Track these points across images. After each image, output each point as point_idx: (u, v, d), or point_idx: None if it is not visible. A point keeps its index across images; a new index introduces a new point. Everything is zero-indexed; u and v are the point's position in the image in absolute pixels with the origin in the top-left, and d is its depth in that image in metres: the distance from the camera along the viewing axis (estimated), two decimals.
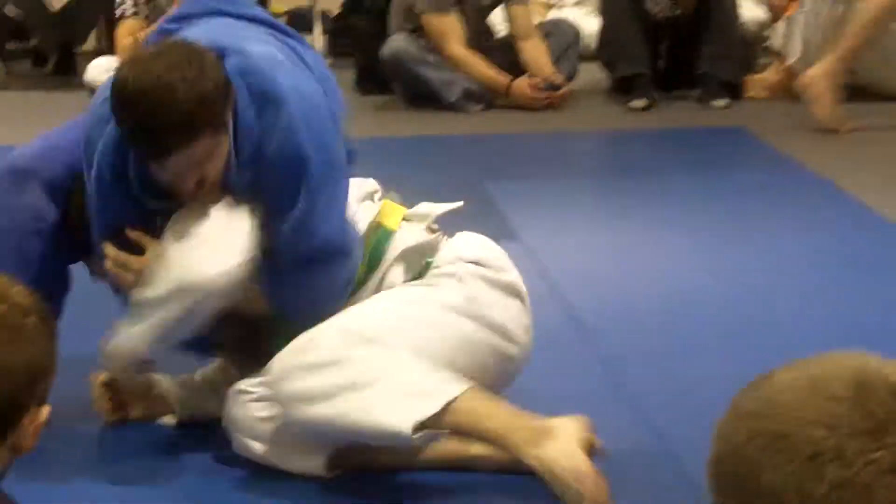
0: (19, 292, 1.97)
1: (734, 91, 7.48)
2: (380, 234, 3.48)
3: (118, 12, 7.47)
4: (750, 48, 7.92)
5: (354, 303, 3.42)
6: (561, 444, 3.15)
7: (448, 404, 3.15)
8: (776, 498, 1.25)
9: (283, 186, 3.28)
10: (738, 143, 6.72)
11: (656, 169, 6.28)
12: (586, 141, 6.92)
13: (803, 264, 4.82)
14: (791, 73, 7.43)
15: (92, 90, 7.29)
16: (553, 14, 8.46)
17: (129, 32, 7.37)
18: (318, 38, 8.17)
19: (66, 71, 8.43)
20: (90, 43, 8.74)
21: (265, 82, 3.26)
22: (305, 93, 3.32)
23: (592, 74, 7.74)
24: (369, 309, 3.38)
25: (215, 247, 3.27)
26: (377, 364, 3.22)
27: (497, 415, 3.21)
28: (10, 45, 8.81)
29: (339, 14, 8.48)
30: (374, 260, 3.46)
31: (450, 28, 7.32)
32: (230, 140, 3.25)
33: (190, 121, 3.12)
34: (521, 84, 7.26)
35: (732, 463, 1.31)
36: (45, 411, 1.98)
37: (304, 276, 3.36)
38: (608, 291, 4.59)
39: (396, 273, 3.46)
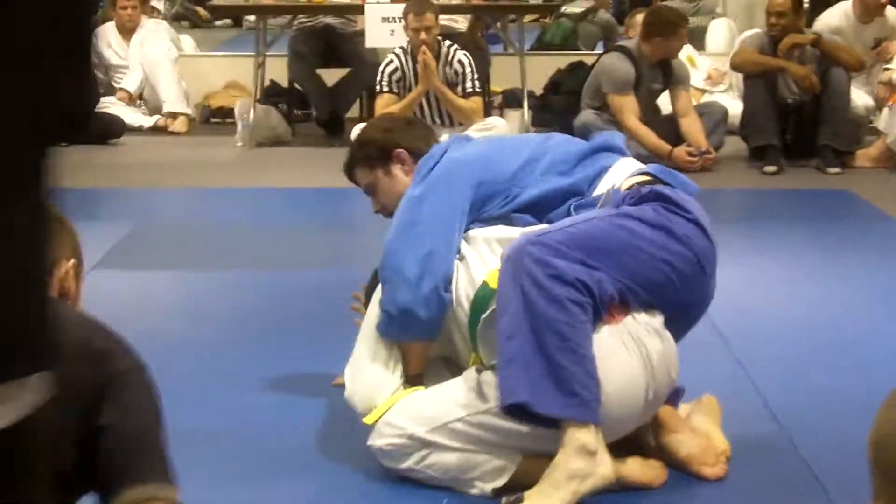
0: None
1: (845, 161, 7.47)
2: (486, 292, 3.11)
3: (377, 88, 7.47)
4: (859, 127, 7.85)
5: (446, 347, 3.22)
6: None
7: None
8: None
9: None
10: (847, 202, 6.67)
11: (782, 219, 6.29)
12: (729, 197, 6.88)
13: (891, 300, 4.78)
14: (889, 149, 7.41)
15: None
16: (706, 98, 8.49)
17: (384, 104, 7.39)
18: (525, 113, 8.26)
19: (336, 132, 8.51)
20: (354, 111, 8.85)
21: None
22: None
23: (735, 145, 7.71)
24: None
25: None
26: None
27: None
28: (296, 112, 9.02)
29: (542, 94, 8.55)
30: (474, 312, 3.13)
31: (627, 105, 7.35)
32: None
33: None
34: (680, 151, 7.26)
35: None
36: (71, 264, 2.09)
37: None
38: (746, 312, 4.54)
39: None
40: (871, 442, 1.32)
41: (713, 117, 7.59)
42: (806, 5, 8.20)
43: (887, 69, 7.89)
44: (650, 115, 7.51)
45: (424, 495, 3.05)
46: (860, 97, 7.87)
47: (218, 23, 14.87)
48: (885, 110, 7.71)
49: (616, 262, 3.01)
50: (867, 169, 7.44)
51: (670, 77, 7.47)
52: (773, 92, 7.54)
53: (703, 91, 8.67)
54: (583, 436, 2.88)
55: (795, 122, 7.64)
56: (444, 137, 7.37)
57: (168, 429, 2.01)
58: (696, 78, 8.58)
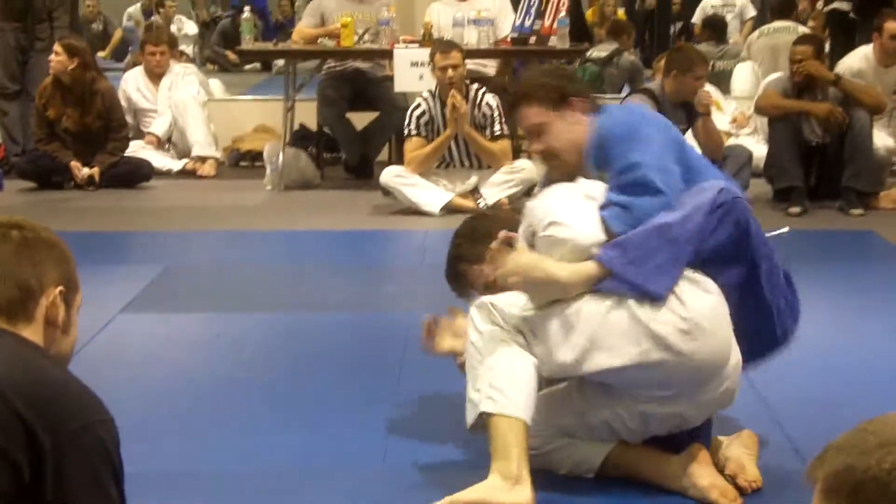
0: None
1: (868, 203, 7.48)
2: None
3: (406, 131, 7.54)
4: (881, 169, 7.85)
5: None
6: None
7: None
8: None
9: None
10: (870, 244, 6.68)
11: (807, 260, 6.26)
12: None
13: None
14: None
15: (385, 191, 7.55)
16: (732, 140, 8.50)
17: (413, 148, 7.49)
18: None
19: (365, 175, 8.58)
20: (383, 154, 8.88)
21: None
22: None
23: (760, 187, 7.71)
24: None
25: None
26: None
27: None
28: (325, 155, 9.07)
29: None
30: None
31: None
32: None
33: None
34: None
35: (874, 491, 1.30)
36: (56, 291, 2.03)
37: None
38: None
39: None
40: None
41: (738, 160, 7.60)
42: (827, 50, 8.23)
43: None
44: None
45: None
46: (882, 139, 7.89)
47: (247, 67, 14.98)
48: None
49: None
50: (890, 210, 7.44)
51: (693, 118, 7.49)
52: (797, 134, 7.56)
53: (729, 134, 8.68)
54: None
55: (819, 163, 7.66)
56: (473, 180, 7.54)
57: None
58: (722, 121, 8.60)
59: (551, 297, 3.22)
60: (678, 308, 3.16)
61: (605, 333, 3.15)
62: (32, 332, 2.03)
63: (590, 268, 3.19)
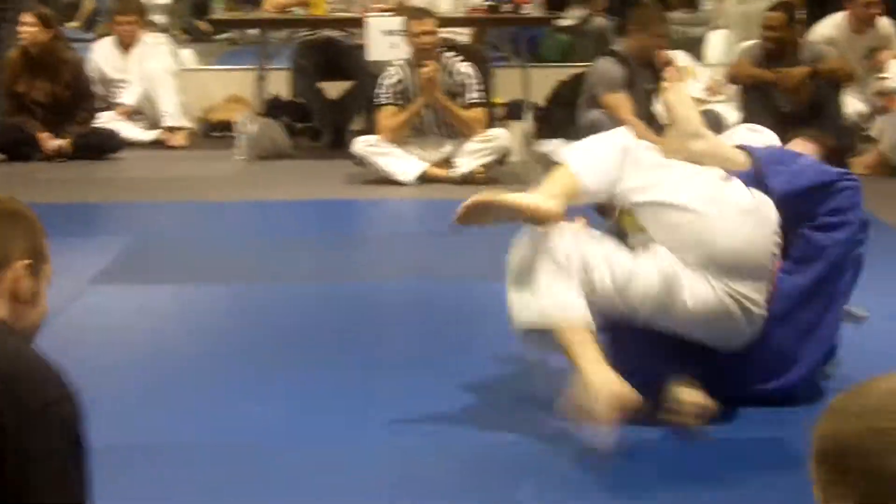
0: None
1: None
2: None
3: (378, 100, 7.49)
4: (853, 134, 7.88)
5: None
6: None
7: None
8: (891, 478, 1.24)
9: None
10: None
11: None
12: None
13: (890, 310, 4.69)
14: (884, 156, 7.41)
15: (358, 160, 7.50)
16: (706, 108, 8.47)
17: (386, 117, 7.44)
18: (528, 124, 8.25)
19: (338, 145, 8.45)
20: (356, 123, 8.79)
21: None
22: None
23: None
24: None
25: None
26: None
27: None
28: (298, 125, 8.98)
29: (545, 106, 8.54)
30: None
31: (621, 102, 7.32)
32: None
33: None
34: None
35: (849, 456, 1.27)
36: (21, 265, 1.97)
37: None
38: None
39: None
40: (823, 460, 1.33)
41: (709, 126, 7.56)
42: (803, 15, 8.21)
43: (881, 78, 7.89)
44: (646, 118, 7.48)
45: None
46: (854, 105, 7.89)
47: (219, 36, 14.85)
48: (879, 118, 7.72)
49: None
50: (863, 176, 7.42)
51: (660, 78, 7.48)
52: (770, 102, 7.55)
53: (703, 101, 8.65)
54: None
55: (792, 130, 7.64)
56: (447, 149, 7.50)
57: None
58: (696, 89, 8.57)
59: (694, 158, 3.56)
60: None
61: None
62: None
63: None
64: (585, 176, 3.50)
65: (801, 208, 3.56)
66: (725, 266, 3.39)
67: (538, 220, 3.42)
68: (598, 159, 3.52)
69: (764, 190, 3.52)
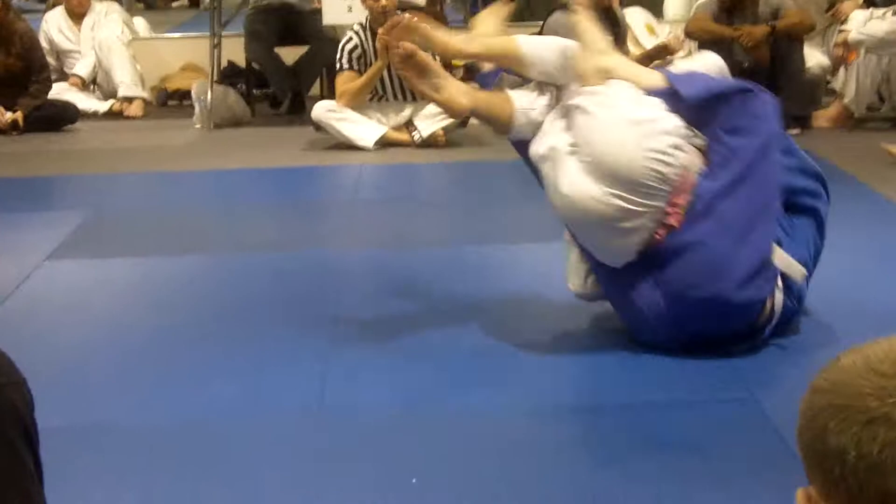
0: None
1: (803, 122, 7.45)
2: None
3: (337, 65, 7.42)
4: (815, 88, 7.85)
5: None
6: None
7: None
8: (840, 457, 1.20)
9: None
10: None
11: None
12: None
13: (850, 260, 4.67)
14: (847, 109, 7.39)
15: (317, 126, 7.43)
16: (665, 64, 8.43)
17: (345, 82, 7.37)
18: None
19: (297, 111, 8.44)
20: (315, 89, 8.74)
21: None
22: None
23: None
24: None
25: None
26: None
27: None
28: (255, 92, 8.93)
29: None
30: None
31: None
32: None
33: None
34: None
35: (808, 432, 1.25)
36: None
37: None
38: None
39: None
40: (797, 436, 1.29)
41: None
42: None
43: (842, 30, 7.87)
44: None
45: (394, 476, 2.95)
46: (816, 58, 7.85)
47: (174, 4, 14.73)
48: (842, 70, 7.70)
49: None
50: (826, 129, 7.43)
51: (618, 29, 7.45)
52: (729, 57, 7.50)
53: (663, 58, 8.60)
54: None
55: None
56: (406, 113, 7.45)
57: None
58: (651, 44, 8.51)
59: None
60: None
61: None
62: None
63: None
64: (525, 44, 3.78)
65: (715, 113, 3.60)
66: (602, 169, 3.48)
67: (446, 55, 3.89)
68: (543, 47, 3.82)
69: (678, 102, 3.57)
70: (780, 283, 3.68)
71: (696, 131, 3.59)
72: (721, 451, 3.06)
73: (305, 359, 3.77)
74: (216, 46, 8.52)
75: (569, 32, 7.14)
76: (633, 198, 3.49)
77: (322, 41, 8.28)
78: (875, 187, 5.87)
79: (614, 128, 3.52)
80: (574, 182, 3.52)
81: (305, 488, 2.90)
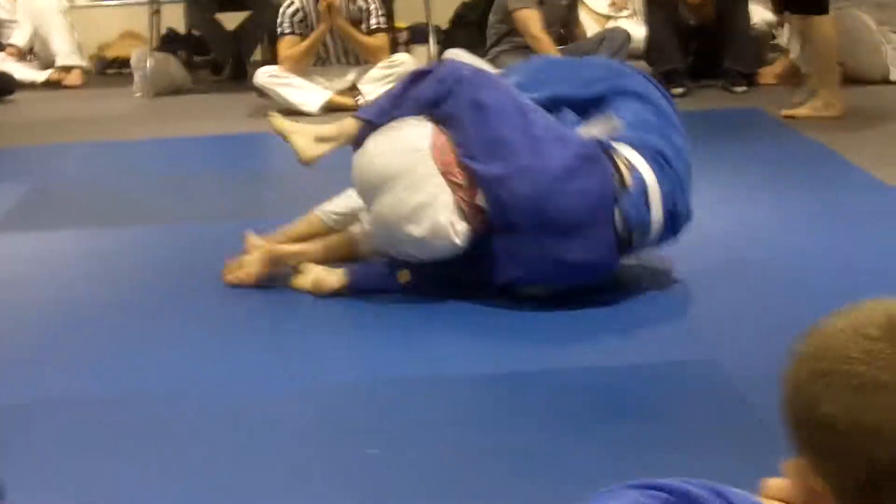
0: None
1: (750, 79, 7.46)
2: None
3: (279, 30, 7.35)
4: (761, 45, 7.85)
5: None
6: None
7: None
8: (830, 426, 1.17)
9: None
10: (755, 120, 6.63)
11: (698, 140, 6.24)
12: None
13: (804, 217, 4.68)
14: (794, 65, 7.39)
15: (260, 92, 7.35)
16: (611, 24, 8.42)
17: (287, 46, 7.30)
18: (432, 48, 8.13)
19: (239, 77, 8.35)
20: (257, 54, 8.67)
21: None
22: None
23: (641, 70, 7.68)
24: None
25: None
26: None
27: None
28: (196, 59, 8.82)
29: (448, 28, 8.44)
30: None
31: (532, 17, 7.25)
32: None
33: None
34: None
35: (795, 402, 1.21)
36: None
37: None
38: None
39: None
40: (782, 406, 1.26)
41: (615, 42, 7.51)
42: None
43: None
44: (558, 33, 7.42)
45: (342, 450, 2.91)
46: (761, 14, 7.85)
47: None
48: (787, 26, 7.69)
49: None
50: (773, 86, 7.43)
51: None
52: (675, 16, 7.49)
53: (608, 17, 8.59)
54: None
55: (698, 44, 7.62)
56: (351, 77, 7.38)
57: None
58: (601, 4, 8.51)
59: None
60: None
61: None
62: None
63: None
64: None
65: (416, 105, 3.84)
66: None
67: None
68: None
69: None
70: (620, 158, 3.70)
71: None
72: (680, 413, 3.04)
73: (255, 329, 3.72)
74: (155, 13, 8.41)
75: None
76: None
77: (264, 6, 8.20)
78: (825, 142, 5.87)
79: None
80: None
81: (250, 457, 2.86)
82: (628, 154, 3.72)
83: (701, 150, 5.95)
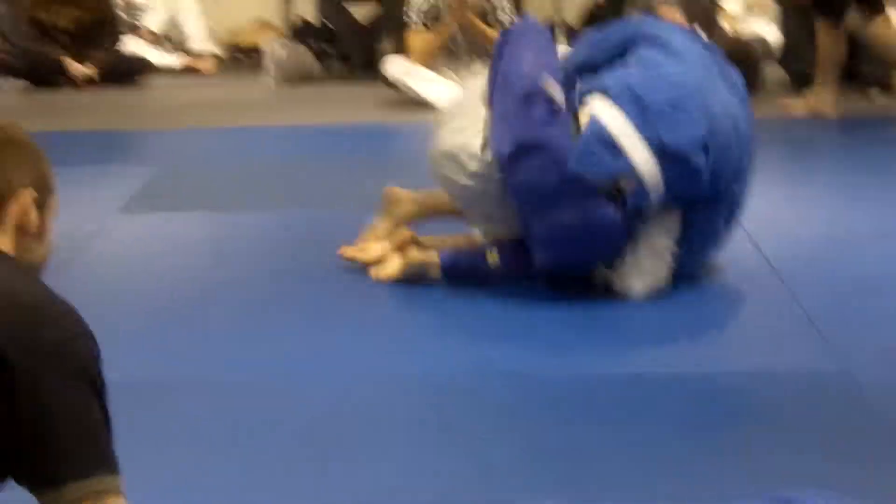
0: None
1: (884, 85, 7.32)
2: None
3: (408, 22, 7.35)
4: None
5: None
6: None
7: None
8: None
9: None
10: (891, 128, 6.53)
11: (829, 146, 6.16)
12: (773, 124, 6.55)
13: None
14: None
15: (389, 84, 7.37)
16: (743, 25, 8.30)
17: (416, 38, 7.29)
18: (561, 45, 8.07)
19: (369, 68, 8.31)
20: (386, 46, 8.65)
21: None
22: None
23: (776, 74, 7.56)
24: None
25: None
26: None
27: None
28: (327, 49, 8.86)
29: (578, 27, 8.37)
30: None
31: (670, 15, 7.09)
32: None
33: None
34: None
35: None
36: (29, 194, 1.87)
37: None
38: (798, 240, 4.41)
39: None
40: None
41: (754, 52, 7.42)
42: None
43: None
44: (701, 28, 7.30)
45: (457, 446, 2.90)
46: None
47: None
48: None
49: None
50: None
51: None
52: (810, 19, 7.35)
53: (738, 21, 8.48)
54: None
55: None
56: (479, 71, 7.34)
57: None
58: (735, 6, 8.39)
59: None
60: None
61: None
62: (3, 240, 1.87)
63: None
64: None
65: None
66: None
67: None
68: None
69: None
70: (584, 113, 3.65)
71: None
72: (812, 423, 2.96)
73: (375, 319, 3.73)
74: (288, 2, 8.48)
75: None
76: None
77: None
78: None
79: None
80: None
81: (368, 448, 2.85)
82: (595, 103, 3.62)
83: (835, 157, 5.90)
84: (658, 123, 3.54)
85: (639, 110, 3.55)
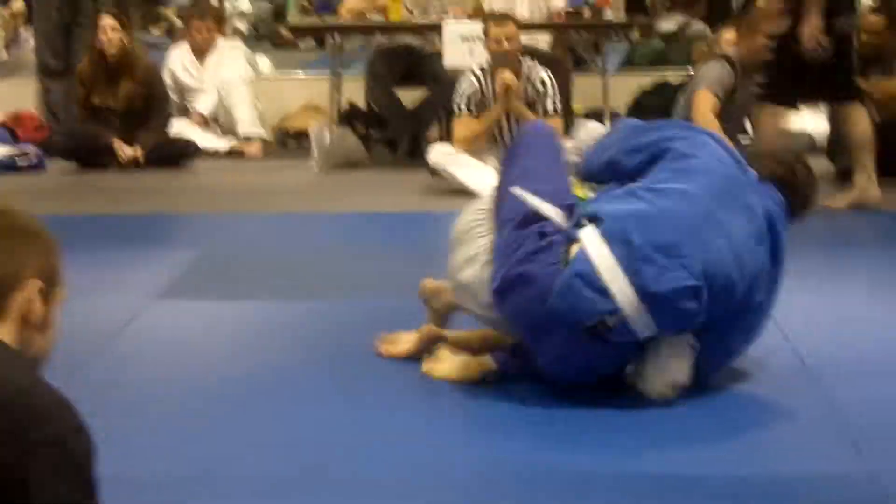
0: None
1: None
2: None
3: (455, 108, 7.39)
4: None
5: None
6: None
7: None
8: None
9: None
10: None
11: (871, 241, 6.12)
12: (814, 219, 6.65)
13: None
14: None
15: (433, 171, 7.41)
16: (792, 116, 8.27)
17: (462, 126, 7.33)
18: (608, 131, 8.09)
19: (414, 154, 8.39)
20: (433, 133, 8.71)
21: None
22: None
23: (821, 166, 7.49)
24: None
25: None
26: None
27: None
28: (374, 135, 8.91)
29: (626, 114, 8.39)
30: None
31: (708, 98, 7.05)
32: None
33: None
34: None
35: None
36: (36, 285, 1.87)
37: None
38: (834, 338, 4.36)
39: None
40: None
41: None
42: None
43: None
44: (734, 127, 7.27)
45: None
46: None
47: (301, 44, 14.84)
48: None
49: None
50: None
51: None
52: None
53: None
54: None
55: (882, 141, 7.44)
56: None
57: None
58: None
59: None
60: None
61: None
62: (5, 330, 1.88)
63: None
64: None
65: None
66: None
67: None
68: None
69: None
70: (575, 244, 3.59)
71: None
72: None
73: (416, 414, 3.71)
74: (336, 88, 8.56)
75: (717, 81, 7.04)
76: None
77: (442, 84, 8.26)
78: None
79: None
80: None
81: None
82: (586, 237, 3.57)
83: (877, 253, 5.84)
84: (643, 269, 3.47)
85: (627, 252, 3.49)
